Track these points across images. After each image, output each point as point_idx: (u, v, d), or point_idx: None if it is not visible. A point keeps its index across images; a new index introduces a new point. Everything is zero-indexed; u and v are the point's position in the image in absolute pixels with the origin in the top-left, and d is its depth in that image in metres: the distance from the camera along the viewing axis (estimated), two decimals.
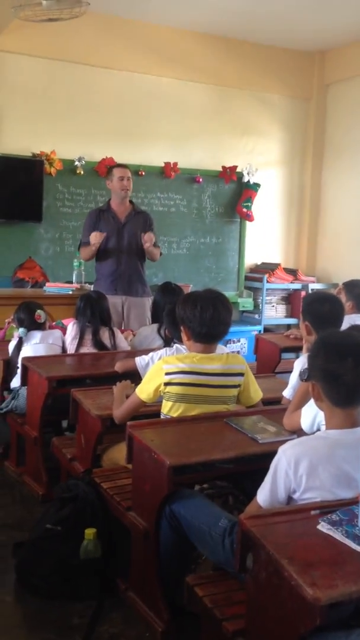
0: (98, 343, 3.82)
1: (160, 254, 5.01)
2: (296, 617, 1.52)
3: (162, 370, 2.61)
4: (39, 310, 3.91)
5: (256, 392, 2.80)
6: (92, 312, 3.84)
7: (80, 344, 3.83)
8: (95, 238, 4.64)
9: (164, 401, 2.66)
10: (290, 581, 1.50)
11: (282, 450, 1.88)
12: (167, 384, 2.60)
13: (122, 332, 4.18)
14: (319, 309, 2.78)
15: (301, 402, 2.43)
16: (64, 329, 4.06)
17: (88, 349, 3.82)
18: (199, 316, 2.62)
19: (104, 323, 3.91)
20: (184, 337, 2.76)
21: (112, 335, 3.89)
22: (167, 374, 2.59)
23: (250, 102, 6.79)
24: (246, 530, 1.69)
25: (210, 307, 2.63)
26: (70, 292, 4.95)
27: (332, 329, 2.42)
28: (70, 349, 3.86)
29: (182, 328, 2.74)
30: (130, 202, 4.90)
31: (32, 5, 4.06)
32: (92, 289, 4.62)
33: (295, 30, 6.28)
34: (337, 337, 1.97)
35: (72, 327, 3.92)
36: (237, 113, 6.73)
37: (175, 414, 2.61)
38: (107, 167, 5.39)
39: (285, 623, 1.57)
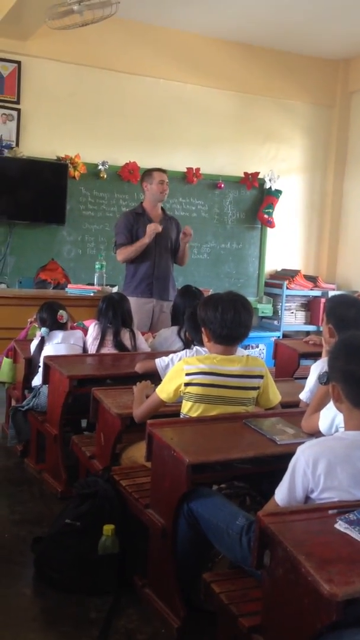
0: (119, 344, 3.86)
1: None
2: (312, 613, 1.54)
3: (182, 370, 2.64)
4: (61, 311, 3.97)
5: (275, 394, 2.82)
6: (114, 313, 3.87)
7: (101, 344, 3.87)
8: (154, 229, 4.50)
9: (183, 401, 2.69)
10: (307, 577, 1.52)
11: (300, 450, 1.90)
12: (187, 384, 2.63)
13: (143, 334, 4.22)
14: (344, 313, 2.73)
15: (320, 405, 2.44)
16: (85, 330, 4.11)
17: (109, 349, 3.86)
18: (220, 318, 2.65)
19: (125, 324, 3.95)
20: (204, 338, 2.79)
21: (133, 336, 3.93)
22: (187, 374, 2.62)
23: (273, 109, 6.82)
24: (264, 527, 1.71)
25: (231, 309, 2.65)
26: (92, 294, 4.99)
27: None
28: (92, 349, 3.90)
29: (202, 329, 2.77)
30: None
31: (65, 14, 4.12)
32: (120, 291, 4.59)
33: (319, 39, 6.31)
34: (359, 339, 1.99)
35: (93, 328, 3.96)
36: (260, 120, 6.77)
37: (194, 414, 2.64)
38: (137, 170, 5.37)
39: (301, 619, 1.59)
